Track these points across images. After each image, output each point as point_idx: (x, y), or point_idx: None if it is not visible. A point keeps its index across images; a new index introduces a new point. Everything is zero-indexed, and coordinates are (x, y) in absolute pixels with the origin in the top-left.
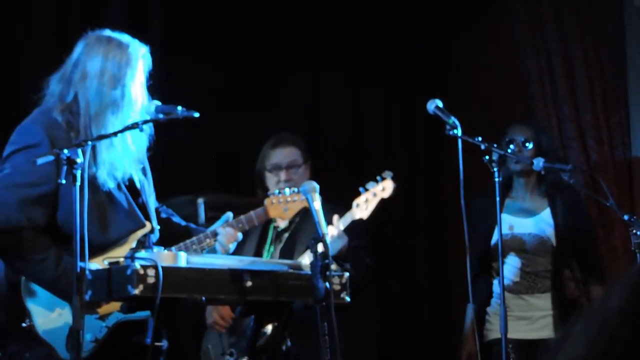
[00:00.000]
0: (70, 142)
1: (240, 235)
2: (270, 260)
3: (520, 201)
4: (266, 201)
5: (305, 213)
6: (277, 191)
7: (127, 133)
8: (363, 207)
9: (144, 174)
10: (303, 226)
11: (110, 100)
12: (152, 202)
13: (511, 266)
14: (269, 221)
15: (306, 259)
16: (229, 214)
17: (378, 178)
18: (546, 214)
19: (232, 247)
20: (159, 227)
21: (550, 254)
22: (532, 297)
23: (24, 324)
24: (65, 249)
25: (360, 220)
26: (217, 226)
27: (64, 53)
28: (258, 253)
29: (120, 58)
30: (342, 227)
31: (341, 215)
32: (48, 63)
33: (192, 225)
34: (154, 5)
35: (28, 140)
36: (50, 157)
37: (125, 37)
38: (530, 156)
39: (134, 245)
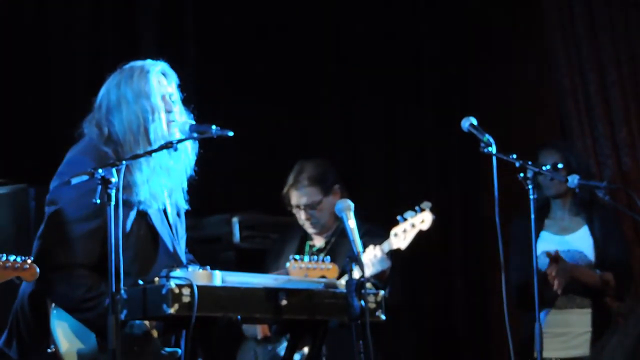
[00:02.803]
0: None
1: None
2: (305, 278)
3: (559, 221)
4: (288, 264)
5: (342, 233)
6: (298, 256)
7: (166, 154)
8: (401, 237)
9: (178, 215)
10: (340, 246)
11: (133, 123)
12: (182, 245)
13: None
14: (304, 240)
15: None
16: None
17: (416, 208)
18: (584, 231)
19: None
20: None
21: (589, 269)
22: (569, 313)
23: (49, 350)
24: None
25: (398, 249)
26: None
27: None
28: None
29: (132, 81)
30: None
31: (377, 241)
32: (84, 105)
33: None
34: (188, 30)
35: (79, 172)
36: (85, 177)
37: (139, 62)
38: (563, 175)
39: None
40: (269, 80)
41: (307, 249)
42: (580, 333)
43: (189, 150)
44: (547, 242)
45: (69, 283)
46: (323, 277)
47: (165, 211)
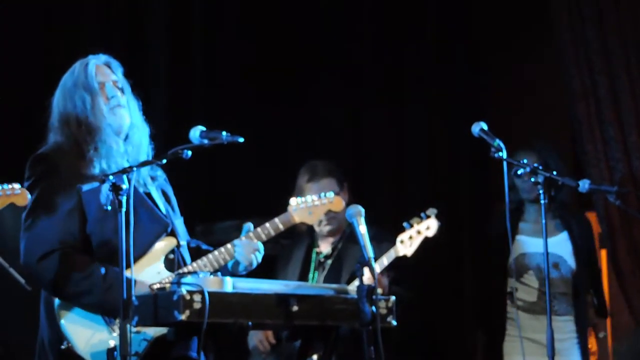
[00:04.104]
0: (80, 154)
1: (260, 245)
2: (316, 284)
3: (535, 224)
4: (289, 207)
5: (349, 239)
6: (300, 198)
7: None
8: (407, 244)
9: (168, 200)
10: (347, 252)
11: (78, 111)
12: (179, 224)
13: (527, 286)
14: (311, 248)
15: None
16: (250, 225)
17: (422, 215)
18: (563, 237)
19: (254, 258)
20: (184, 242)
21: (569, 276)
22: (545, 320)
23: (62, 346)
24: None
25: (404, 256)
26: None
27: None
28: (302, 280)
29: (73, 75)
30: (386, 263)
31: (384, 247)
32: None
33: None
34: (195, 34)
35: (40, 169)
36: (95, 184)
37: (84, 58)
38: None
39: (162, 259)
40: (276, 84)
41: (314, 255)
42: (557, 340)
43: (141, 137)
44: (525, 245)
45: (60, 265)
46: (329, 211)
47: (148, 194)
